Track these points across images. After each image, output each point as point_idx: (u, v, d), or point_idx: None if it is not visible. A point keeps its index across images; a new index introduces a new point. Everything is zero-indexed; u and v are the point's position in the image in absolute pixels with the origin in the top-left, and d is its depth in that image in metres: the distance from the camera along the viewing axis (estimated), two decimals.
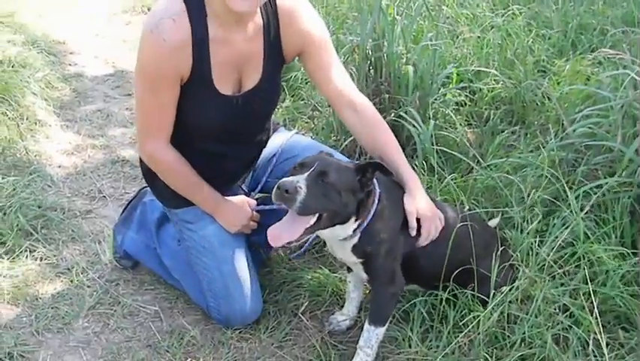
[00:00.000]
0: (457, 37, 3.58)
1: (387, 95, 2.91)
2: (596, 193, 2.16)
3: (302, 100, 3.57)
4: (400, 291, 1.97)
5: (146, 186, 2.44)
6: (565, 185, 2.15)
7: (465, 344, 1.93)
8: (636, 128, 2.27)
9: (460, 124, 2.98)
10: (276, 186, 1.68)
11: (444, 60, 3.26)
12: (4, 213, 2.65)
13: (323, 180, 1.73)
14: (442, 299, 2.00)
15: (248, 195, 2.29)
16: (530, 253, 2.04)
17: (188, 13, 1.85)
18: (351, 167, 1.82)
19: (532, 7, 3.83)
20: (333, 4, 4.10)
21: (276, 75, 2.08)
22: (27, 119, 3.42)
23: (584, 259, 2.03)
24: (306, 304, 2.25)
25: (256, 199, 2.28)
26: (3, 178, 2.88)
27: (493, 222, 2.28)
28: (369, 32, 2.87)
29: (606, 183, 2.17)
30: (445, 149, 2.65)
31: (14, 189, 2.82)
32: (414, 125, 2.73)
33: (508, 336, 1.91)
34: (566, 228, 2.05)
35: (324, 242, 2.25)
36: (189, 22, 1.86)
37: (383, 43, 2.89)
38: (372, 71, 2.95)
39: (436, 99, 3.00)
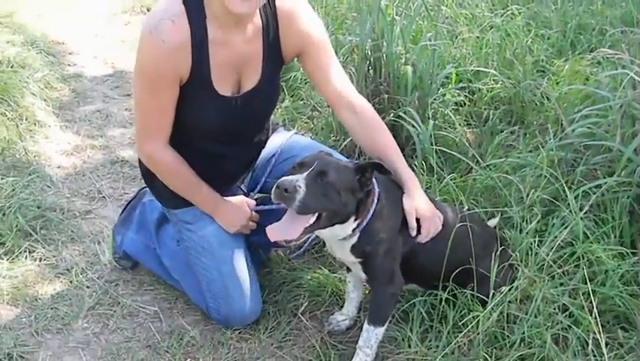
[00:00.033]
0: (456, 37, 3.58)
1: (386, 96, 2.91)
2: (595, 193, 2.16)
3: (301, 100, 3.57)
4: (399, 291, 1.97)
5: (145, 187, 2.44)
6: (564, 185, 2.15)
7: (464, 343, 1.93)
8: (635, 127, 2.27)
9: (460, 124, 2.98)
10: (275, 185, 1.68)
11: (443, 60, 3.26)
12: (4, 214, 2.65)
13: (322, 179, 1.73)
14: (441, 299, 2.00)
15: (247, 195, 2.29)
16: (529, 253, 2.04)
17: (187, 15, 1.85)
18: (350, 166, 1.82)
19: (531, 7, 3.84)
20: (332, 4, 4.10)
21: (275, 76, 2.09)
22: (26, 119, 3.42)
23: (583, 258, 2.03)
24: (305, 304, 2.25)
25: (255, 199, 2.28)
26: (2, 179, 2.88)
27: (492, 222, 2.28)
28: (369, 32, 2.87)
29: (605, 183, 2.17)
30: (445, 149, 2.65)
31: (13, 190, 2.81)
32: (413, 126, 2.73)
33: (508, 336, 1.91)
34: (565, 228, 2.05)
35: (324, 242, 2.25)
36: (188, 23, 1.86)
37: (382, 44, 2.90)
38: (371, 71, 2.95)
39: (435, 99, 3.00)
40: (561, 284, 1.99)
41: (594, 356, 1.79)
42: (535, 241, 2.05)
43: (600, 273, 2.02)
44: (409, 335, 2.01)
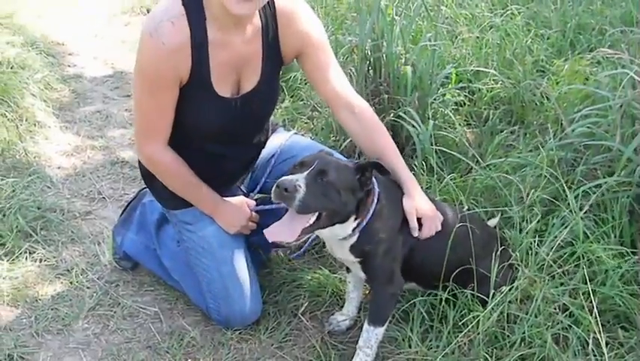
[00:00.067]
0: (456, 37, 3.59)
1: (386, 96, 2.91)
2: (595, 193, 2.16)
3: (301, 100, 3.57)
4: (399, 291, 1.97)
5: (145, 188, 2.44)
6: (564, 184, 2.15)
7: (465, 343, 1.93)
8: (635, 127, 2.27)
9: (460, 124, 2.98)
10: (275, 185, 1.69)
11: (443, 60, 3.26)
12: (4, 215, 2.65)
13: (322, 178, 1.73)
14: (441, 299, 2.00)
15: (247, 195, 2.29)
16: (530, 253, 2.05)
17: (187, 16, 1.85)
18: (350, 166, 1.83)
19: (531, 7, 3.84)
20: (332, 4, 4.10)
21: (274, 77, 2.09)
22: (26, 120, 3.42)
23: (583, 258, 2.03)
24: (305, 304, 2.25)
25: (255, 200, 2.28)
26: (2, 180, 2.88)
27: (492, 222, 2.28)
28: (368, 33, 2.87)
29: (605, 183, 2.17)
30: (445, 149, 2.65)
31: (13, 191, 2.82)
32: (413, 126, 2.73)
33: (508, 336, 1.91)
34: (565, 227, 2.05)
35: (324, 243, 2.25)
36: (188, 24, 1.86)
37: (382, 44, 2.90)
38: (371, 71, 2.96)
39: (435, 99, 3.00)
40: (561, 284, 1.99)
41: (594, 355, 1.79)
42: (535, 241, 2.05)
43: (600, 273, 2.02)
44: (409, 335, 2.01)
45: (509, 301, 1.94)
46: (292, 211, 1.73)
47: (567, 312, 1.93)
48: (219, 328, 2.18)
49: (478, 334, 1.90)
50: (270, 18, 1.97)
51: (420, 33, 3.40)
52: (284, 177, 1.70)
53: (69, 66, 4.46)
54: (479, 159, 2.56)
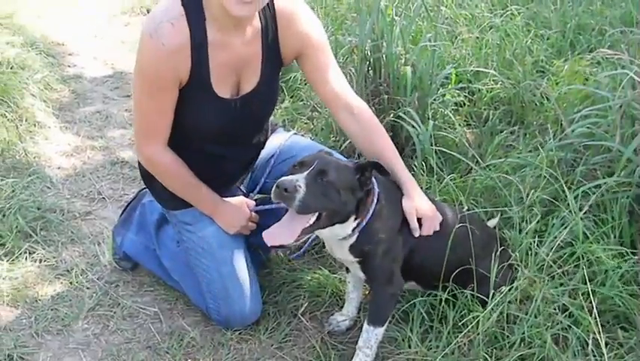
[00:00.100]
0: (456, 37, 3.59)
1: (386, 96, 2.91)
2: (594, 193, 2.16)
3: (301, 101, 3.57)
4: (398, 291, 1.97)
5: (145, 188, 2.44)
6: (564, 185, 2.15)
7: (464, 344, 1.93)
8: (635, 128, 2.27)
9: (459, 124, 2.98)
10: (275, 185, 1.69)
11: (443, 61, 3.26)
12: (4, 215, 2.65)
13: (322, 178, 1.73)
14: (441, 299, 2.00)
15: (246, 196, 2.29)
16: (529, 253, 2.05)
17: (186, 17, 1.85)
18: (350, 166, 1.83)
19: (531, 8, 3.84)
20: (331, 4, 4.10)
21: (274, 78, 2.09)
22: (26, 120, 3.42)
23: (583, 258, 2.03)
24: (305, 305, 2.25)
25: (255, 200, 2.28)
26: (2, 180, 2.88)
27: (492, 223, 2.28)
28: (368, 33, 2.87)
29: (605, 183, 2.17)
30: (444, 149, 2.65)
31: (13, 191, 2.82)
32: (413, 126, 2.73)
33: (508, 336, 1.91)
34: (565, 228, 2.05)
35: (324, 243, 2.25)
36: (188, 25, 1.86)
37: (382, 44, 2.90)
38: (371, 71, 2.96)
39: (435, 100, 3.00)
40: (561, 284, 1.99)
41: (594, 356, 1.79)
42: (534, 241, 2.05)
43: (600, 273, 2.02)
44: (409, 336, 2.01)
45: (509, 302, 1.94)
46: (292, 211, 1.73)
47: (567, 312, 1.93)
48: (219, 328, 2.18)
49: (478, 334, 1.90)
50: (270, 19, 1.97)
51: (420, 33, 3.40)
52: (284, 178, 1.70)
53: (69, 66, 4.46)
54: (479, 159, 2.56)
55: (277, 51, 2.01)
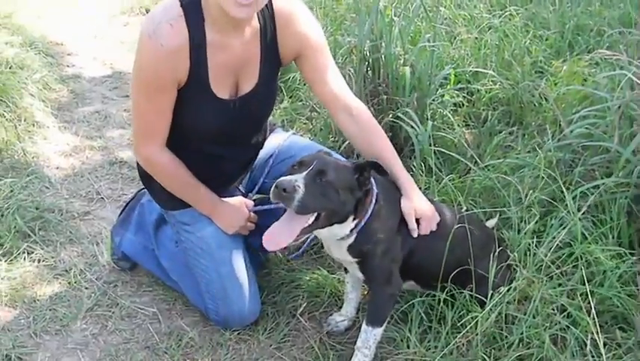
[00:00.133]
0: (455, 38, 3.59)
1: (385, 96, 2.91)
2: (593, 194, 2.16)
3: (300, 101, 3.57)
4: (397, 292, 1.97)
5: (143, 188, 2.44)
6: (562, 185, 2.15)
7: (463, 344, 1.93)
8: (633, 128, 2.27)
9: (458, 125, 2.98)
10: (274, 185, 1.69)
11: (441, 61, 3.26)
12: (2, 215, 2.65)
13: (321, 178, 1.73)
14: (440, 300, 2.01)
15: (245, 196, 2.29)
16: (528, 254, 2.05)
17: (185, 18, 1.85)
18: (349, 166, 1.83)
19: (530, 8, 3.84)
20: (330, 5, 4.10)
21: (272, 78, 2.09)
22: (25, 120, 3.42)
23: (581, 259, 2.03)
24: (304, 305, 2.25)
25: (253, 200, 2.28)
26: (0, 180, 2.88)
27: (490, 223, 2.28)
28: (367, 33, 2.87)
29: (603, 184, 2.17)
30: (443, 150, 2.65)
31: (12, 191, 2.82)
32: (412, 126, 2.73)
33: (506, 336, 1.91)
34: (564, 228, 2.06)
35: (322, 243, 2.25)
36: (187, 26, 1.85)
37: (381, 45, 2.90)
38: (369, 72, 2.96)
39: (433, 100, 3.00)
40: (559, 285, 1.99)
41: (592, 356, 1.80)
42: (533, 242, 2.06)
43: (598, 273, 2.03)
44: (407, 336, 2.01)
45: (507, 302, 1.94)
46: (291, 212, 1.73)
47: (565, 313, 1.93)
48: (218, 328, 2.18)
49: (477, 334, 1.90)
50: (269, 20, 1.97)
51: (419, 34, 3.41)
52: (283, 178, 1.70)
53: (68, 66, 4.46)
54: (478, 159, 2.56)
55: (276, 51, 2.01)
